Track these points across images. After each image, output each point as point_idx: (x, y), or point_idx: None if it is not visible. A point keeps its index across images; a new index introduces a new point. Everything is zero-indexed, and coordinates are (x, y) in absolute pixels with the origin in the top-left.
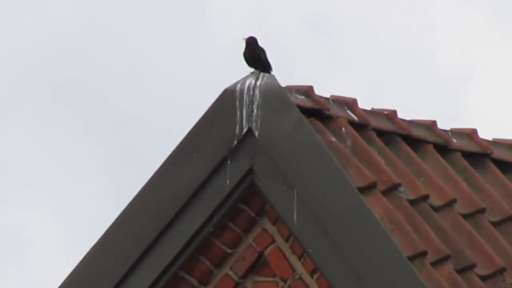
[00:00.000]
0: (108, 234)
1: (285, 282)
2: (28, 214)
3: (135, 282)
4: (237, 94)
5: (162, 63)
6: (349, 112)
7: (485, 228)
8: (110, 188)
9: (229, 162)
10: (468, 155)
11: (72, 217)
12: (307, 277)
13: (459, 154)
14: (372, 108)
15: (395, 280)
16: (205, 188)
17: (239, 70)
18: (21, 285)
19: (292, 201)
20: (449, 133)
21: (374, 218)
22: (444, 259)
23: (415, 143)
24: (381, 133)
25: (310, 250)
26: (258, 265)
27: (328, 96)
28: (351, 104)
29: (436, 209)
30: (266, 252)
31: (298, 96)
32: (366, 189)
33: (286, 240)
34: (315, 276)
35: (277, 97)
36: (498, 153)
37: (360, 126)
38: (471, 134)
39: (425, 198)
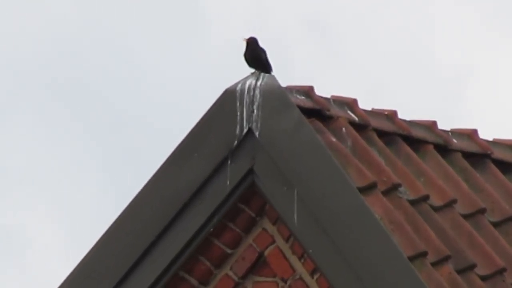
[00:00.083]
0: (109, 234)
1: (285, 282)
2: (28, 214)
3: (135, 281)
4: (238, 94)
5: (162, 63)
6: (349, 112)
7: (485, 228)
8: (110, 188)
9: (229, 162)
10: (468, 156)
11: (72, 217)
12: (307, 277)
13: (459, 155)
14: (373, 109)
15: (395, 280)
16: (205, 188)
17: (239, 70)
18: (21, 285)
19: (292, 201)
20: (449, 133)
21: (374, 218)
22: (444, 259)
23: (415, 143)
24: (381, 133)
25: (310, 250)
26: (258, 265)
27: (328, 96)
28: (351, 104)
29: (436, 209)
30: (266, 252)
31: (298, 96)
32: (366, 189)
33: (286, 240)
34: (315, 276)
35: (278, 98)
36: (498, 154)
37: (360, 127)
38: (471, 134)
39: (425, 198)
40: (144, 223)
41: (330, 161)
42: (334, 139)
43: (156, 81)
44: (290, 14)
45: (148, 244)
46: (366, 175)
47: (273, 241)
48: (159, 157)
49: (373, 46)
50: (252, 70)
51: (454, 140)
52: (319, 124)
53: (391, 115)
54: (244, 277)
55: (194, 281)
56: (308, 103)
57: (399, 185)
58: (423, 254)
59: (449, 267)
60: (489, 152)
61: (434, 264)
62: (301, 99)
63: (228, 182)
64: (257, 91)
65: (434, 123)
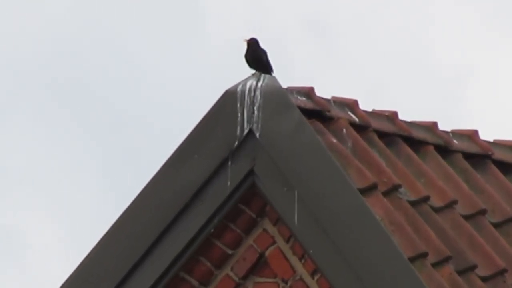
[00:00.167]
0: (109, 235)
1: (286, 283)
2: (28, 214)
3: (136, 282)
4: (238, 95)
5: (162, 63)
6: (350, 113)
7: (485, 229)
8: (110, 188)
9: (230, 163)
10: (469, 156)
11: (72, 218)
12: (307, 278)
13: (460, 155)
14: (373, 110)
15: (395, 281)
16: (206, 189)
17: (239, 71)
18: (21, 285)
19: (293, 202)
20: (450, 134)
21: (374, 219)
22: (445, 260)
23: (415, 144)
24: (382, 134)
25: (311, 251)
26: (258, 266)
27: (329, 97)
28: (352, 105)
29: (437, 210)
30: (267, 253)
31: (299, 97)
32: (367, 190)
33: (287, 241)
34: (315, 277)
35: (278, 99)
36: (499, 154)
37: (361, 127)
38: (472, 135)
39: (425, 199)
40: (144, 224)
41: (330, 162)
42: (334, 140)
43: (156, 81)
44: (290, 14)
45: (149, 245)
46: (366, 176)
47: (274, 242)
48: (159, 158)
49: (373, 46)
50: (253, 71)
51: (455, 141)
52: (320, 125)
53: (392, 116)
54: (244, 277)
55: (194, 282)
56: (308, 104)
57: (400, 186)
58: (424, 255)
59: (449, 268)
60: (489, 153)
61: (434, 265)
62: (301, 100)
63: (228, 183)
64: (257, 92)
65: (434, 124)
